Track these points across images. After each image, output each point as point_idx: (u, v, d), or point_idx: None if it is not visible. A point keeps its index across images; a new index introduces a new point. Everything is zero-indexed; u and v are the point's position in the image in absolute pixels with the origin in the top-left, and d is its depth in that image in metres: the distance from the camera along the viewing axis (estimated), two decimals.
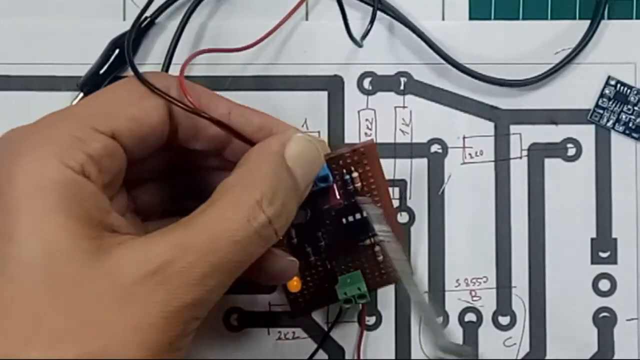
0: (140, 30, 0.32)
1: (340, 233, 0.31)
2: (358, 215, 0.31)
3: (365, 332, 0.33)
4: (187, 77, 0.32)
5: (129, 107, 0.24)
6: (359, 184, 0.31)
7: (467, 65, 0.33)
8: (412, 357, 0.33)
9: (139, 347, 0.21)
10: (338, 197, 0.30)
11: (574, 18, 0.34)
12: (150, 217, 0.28)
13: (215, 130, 0.26)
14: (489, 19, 0.34)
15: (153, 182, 0.28)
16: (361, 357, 0.33)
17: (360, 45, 0.32)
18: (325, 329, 0.33)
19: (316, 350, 0.33)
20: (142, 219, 0.27)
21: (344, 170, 0.31)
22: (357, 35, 0.31)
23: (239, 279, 0.25)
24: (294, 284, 0.31)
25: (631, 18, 0.34)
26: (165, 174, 0.28)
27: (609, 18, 0.33)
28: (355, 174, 0.31)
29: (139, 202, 0.27)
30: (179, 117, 0.26)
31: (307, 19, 0.33)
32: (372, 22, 0.32)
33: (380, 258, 0.32)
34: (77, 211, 0.22)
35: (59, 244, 0.21)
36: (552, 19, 0.33)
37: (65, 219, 0.21)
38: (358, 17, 0.33)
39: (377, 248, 0.32)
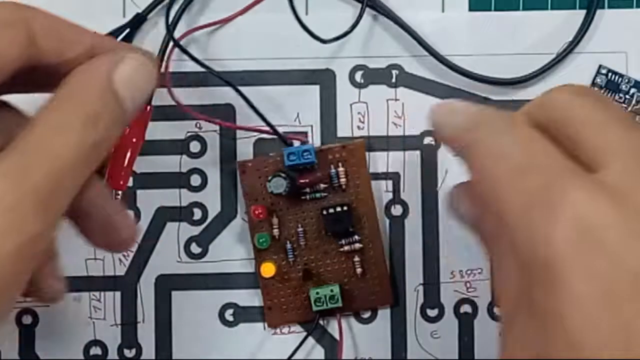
0: (133, 26, 0.32)
1: (320, 230, 0.32)
2: (339, 208, 0.32)
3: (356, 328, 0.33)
4: (178, 73, 0.33)
5: None
6: (343, 179, 0.32)
7: (466, 57, 0.33)
8: (409, 350, 0.33)
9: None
10: (319, 174, 0.32)
11: (574, 8, 0.33)
12: None
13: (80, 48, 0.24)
14: (489, 10, 0.34)
15: None
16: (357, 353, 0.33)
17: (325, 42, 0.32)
18: (322, 323, 0.33)
19: (304, 340, 0.33)
20: None
21: (331, 165, 0.32)
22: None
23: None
24: (266, 269, 0.31)
25: (631, 7, 0.33)
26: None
27: (608, 7, 0.33)
28: (341, 169, 0.32)
29: None
30: (42, 44, 0.23)
31: (306, 14, 0.33)
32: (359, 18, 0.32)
33: (360, 270, 0.32)
34: None
35: None
36: (552, 9, 0.33)
37: None
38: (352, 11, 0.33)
39: (356, 258, 0.32)
